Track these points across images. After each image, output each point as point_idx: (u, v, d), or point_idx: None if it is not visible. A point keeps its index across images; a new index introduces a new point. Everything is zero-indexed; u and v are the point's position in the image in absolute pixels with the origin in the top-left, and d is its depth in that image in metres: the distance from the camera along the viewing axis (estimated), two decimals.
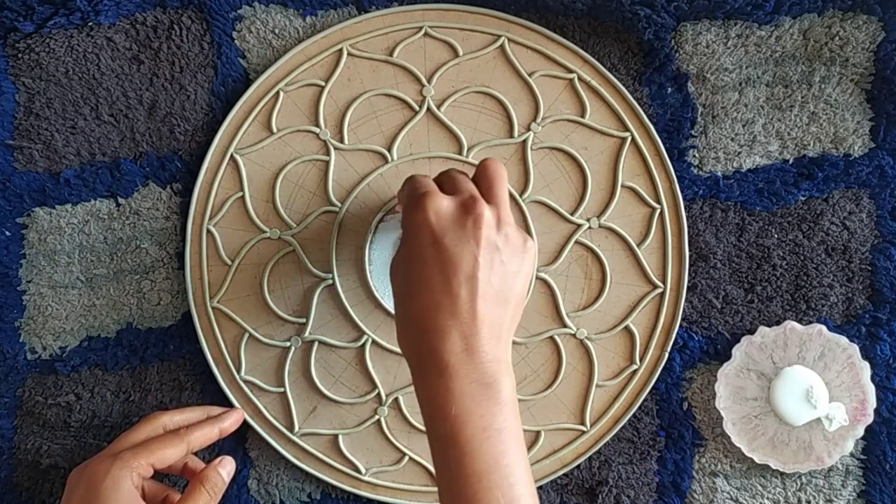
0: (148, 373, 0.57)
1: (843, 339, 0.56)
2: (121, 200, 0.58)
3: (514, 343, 0.57)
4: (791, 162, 0.58)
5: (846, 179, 0.58)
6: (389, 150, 0.57)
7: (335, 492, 0.57)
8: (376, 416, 0.57)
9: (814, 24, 0.58)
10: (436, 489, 0.56)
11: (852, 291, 0.58)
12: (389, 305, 0.56)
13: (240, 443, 0.57)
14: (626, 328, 0.57)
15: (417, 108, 0.57)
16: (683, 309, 0.58)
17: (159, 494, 0.51)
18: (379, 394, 0.57)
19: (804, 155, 0.58)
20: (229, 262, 0.57)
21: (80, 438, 0.57)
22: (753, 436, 0.57)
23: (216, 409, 0.55)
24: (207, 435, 0.52)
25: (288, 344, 0.57)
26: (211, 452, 0.57)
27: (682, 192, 0.58)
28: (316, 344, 0.56)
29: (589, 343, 0.57)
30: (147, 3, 0.57)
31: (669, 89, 0.58)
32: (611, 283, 0.57)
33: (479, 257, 0.43)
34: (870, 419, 0.56)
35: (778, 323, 0.58)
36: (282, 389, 0.57)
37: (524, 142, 0.57)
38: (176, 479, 0.57)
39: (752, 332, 0.58)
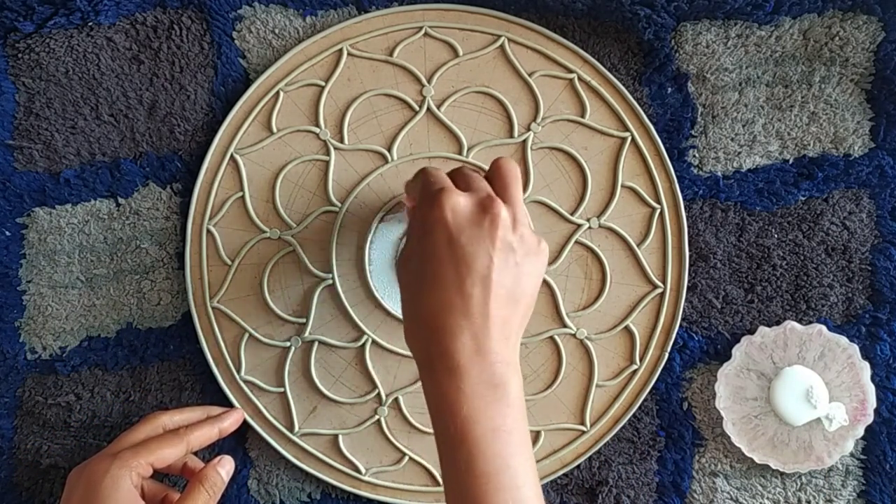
0: (148, 373, 0.57)
1: (843, 339, 0.56)
2: (121, 200, 0.58)
3: None
4: (791, 162, 0.58)
5: (846, 179, 0.58)
6: (389, 150, 0.57)
7: (335, 492, 0.57)
8: (376, 416, 0.57)
9: (814, 24, 0.58)
10: (436, 489, 0.56)
11: (852, 291, 0.58)
12: (389, 305, 0.56)
13: (240, 443, 0.57)
14: (626, 328, 0.57)
15: (417, 108, 0.57)
16: (683, 309, 0.58)
17: (159, 494, 0.51)
18: (379, 394, 0.57)
19: (804, 155, 0.58)
20: (229, 262, 0.57)
21: (80, 438, 0.57)
22: (753, 436, 0.57)
23: (216, 409, 0.55)
24: (207, 435, 0.52)
25: (288, 344, 0.57)
26: (211, 452, 0.57)
27: (682, 192, 0.58)
28: (316, 344, 0.56)
29: (589, 343, 0.57)
30: (147, 3, 0.57)
31: (669, 89, 0.58)
32: (611, 283, 0.57)
33: (494, 257, 0.43)
34: (870, 419, 0.56)
35: (778, 323, 0.58)
36: (282, 389, 0.57)
37: (524, 142, 0.57)
38: (175, 478, 0.57)
39: (752, 332, 0.58)
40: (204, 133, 0.58)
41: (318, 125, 0.57)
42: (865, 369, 0.56)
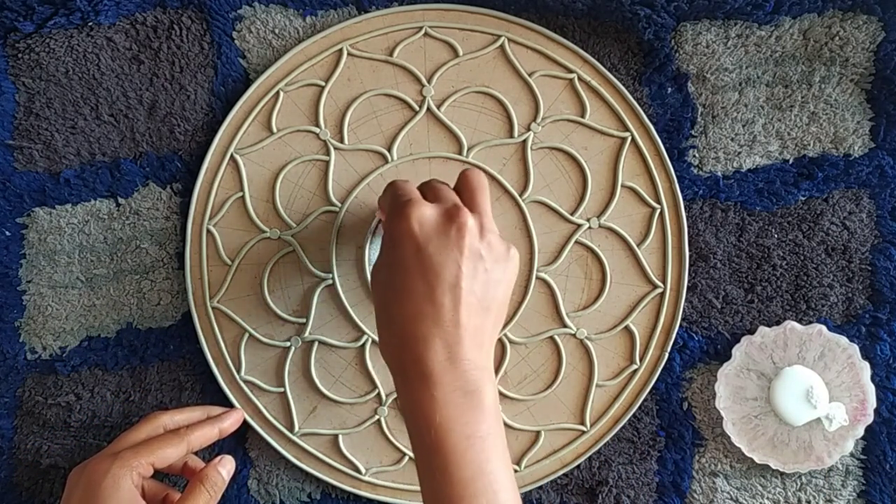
0: (148, 373, 0.57)
1: (843, 339, 0.56)
2: (121, 200, 0.58)
3: (514, 343, 0.57)
4: (791, 162, 0.58)
5: (846, 179, 0.58)
6: (389, 150, 0.57)
7: (335, 492, 0.57)
8: (376, 416, 0.57)
9: (814, 24, 0.58)
10: None
11: (852, 291, 0.58)
12: None
13: (240, 443, 0.57)
14: (626, 328, 0.57)
15: (417, 108, 0.57)
16: (683, 309, 0.58)
17: (159, 493, 0.51)
18: (379, 394, 0.57)
19: (804, 155, 0.58)
20: (229, 262, 0.57)
21: (80, 438, 0.57)
22: (753, 436, 0.57)
23: (216, 409, 0.55)
24: (207, 435, 0.52)
25: (288, 344, 0.57)
26: (211, 452, 0.57)
27: (682, 192, 0.58)
28: (316, 344, 0.56)
29: (589, 343, 0.57)
30: (147, 3, 0.57)
31: (669, 89, 0.58)
32: (611, 283, 0.57)
33: (462, 266, 0.43)
34: (870, 419, 0.56)
35: (778, 323, 0.58)
36: (282, 389, 0.57)
37: (524, 142, 0.57)
38: (176, 478, 0.57)
39: (752, 332, 0.58)
40: (204, 133, 0.58)
41: (318, 125, 0.57)
42: (865, 369, 0.56)
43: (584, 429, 0.57)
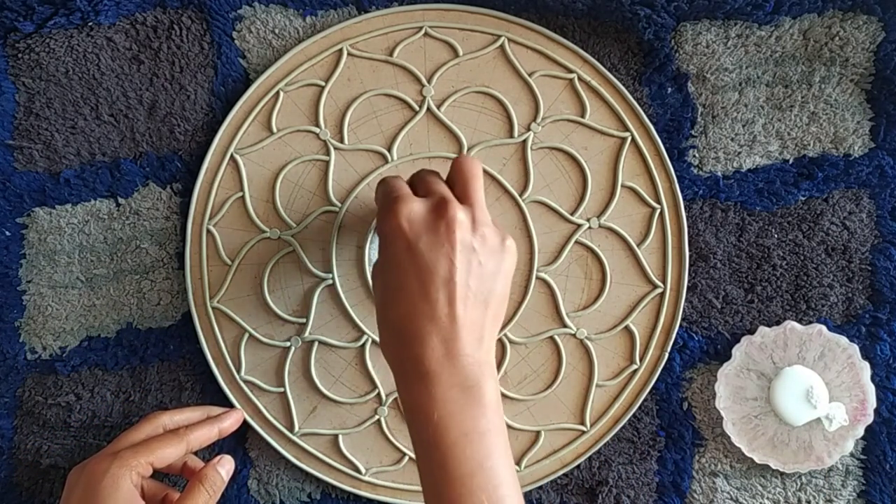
0: (148, 373, 0.57)
1: (843, 339, 0.56)
2: (121, 200, 0.58)
3: (514, 343, 0.57)
4: (791, 162, 0.58)
5: (846, 179, 0.58)
6: (389, 150, 0.57)
7: (335, 492, 0.57)
8: (376, 416, 0.57)
9: (814, 24, 0.58)
10: None
11: (852, 291, 0.58)
12: None
13: (240, 443, 0.57)
14: (626, 328, 0.57)
15: (417, 108, 0.57)
16: (683, 309, 0.58)
17: (159, 493, 0.51)
18: (379, 394, 0.57)
19: (804, 155, 0.58)
20: (229, 262, 0.57)
21: (80, 438, 0.57)
22: (753, 436, 0.57)
23: (216, 409, 0.55)
24: (207, 435, 0.52)
25: (288, 344, 0.57)
26: (211, 452, 0.57)
27: (682, 192, 0.58)
28: (316, 344, 0.56)
29: (589, 343, 0.57)
30: (147, 3, 0.57)
31: (669, 89, 0.58)
32: (611, 283, 0.57)
33: (454, 260, 0.43)
34: (870, 419, 0.56)
35: (778, 323, 0.58)
36: (282, 389, 0.57)
37: (524, 142, 0.57)
38: (175, 478, 0.57)
39: (752, 332, 0.58)
40: (204, 133, 0.58)
41: (318, 125, 0.57)
42: (865, 369, 0.56)
43: (584, 429, 0.57)
